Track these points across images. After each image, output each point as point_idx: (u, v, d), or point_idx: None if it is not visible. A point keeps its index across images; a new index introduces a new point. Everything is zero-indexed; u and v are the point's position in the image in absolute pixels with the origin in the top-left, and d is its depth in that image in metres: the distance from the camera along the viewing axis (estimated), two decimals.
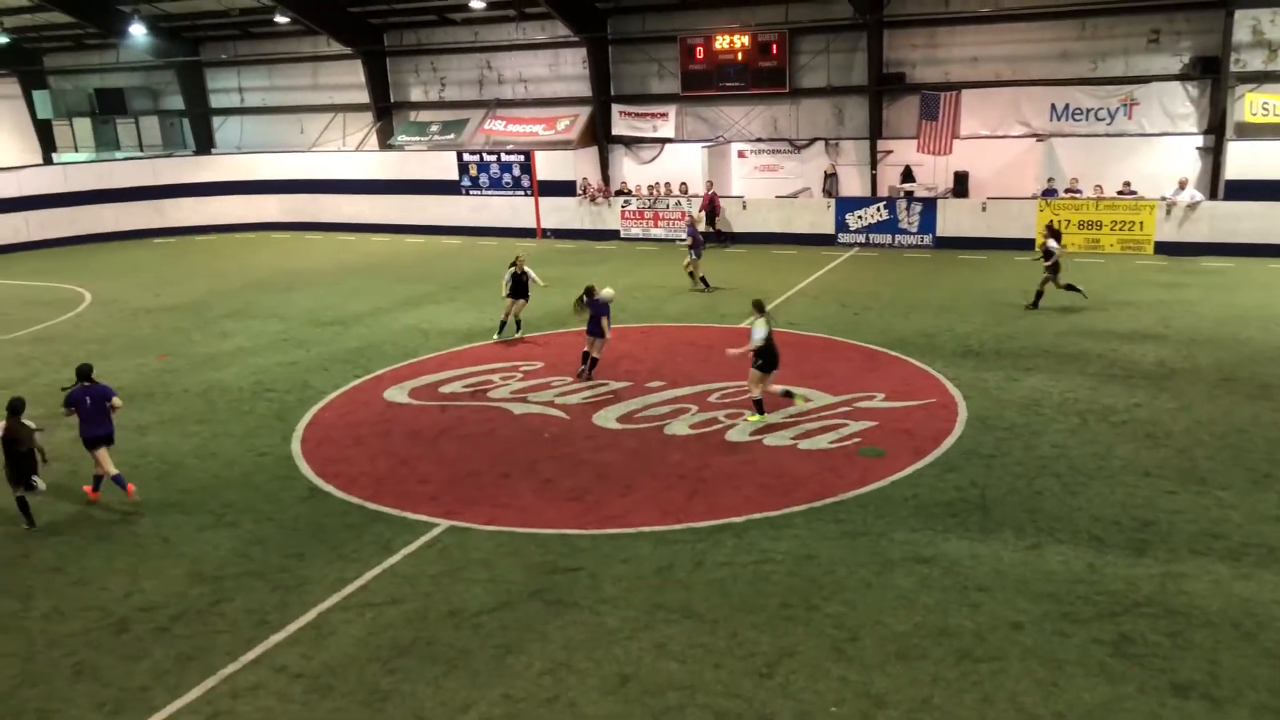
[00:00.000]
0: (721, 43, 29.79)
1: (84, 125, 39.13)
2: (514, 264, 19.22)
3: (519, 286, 19.16)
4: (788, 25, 29.18)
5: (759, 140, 30.95)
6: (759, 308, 14.48)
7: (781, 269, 25.35)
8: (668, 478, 12.39)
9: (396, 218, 34.40)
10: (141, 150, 38.89)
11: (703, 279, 23.45)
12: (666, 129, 31.38)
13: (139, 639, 9.19)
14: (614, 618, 9.18)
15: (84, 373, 12.62)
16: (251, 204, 36.49)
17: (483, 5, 30.19)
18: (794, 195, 30.14)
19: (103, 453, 12.29)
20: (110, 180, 35.75)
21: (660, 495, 11.88)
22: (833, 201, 28.97)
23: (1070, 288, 20.23)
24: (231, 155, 37.64)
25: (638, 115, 31.77)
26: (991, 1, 27.05)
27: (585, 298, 16.67)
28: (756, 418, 14.20)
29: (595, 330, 16.52)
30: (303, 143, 37.40)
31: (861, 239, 28.48)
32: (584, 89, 32.41)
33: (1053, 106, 27.12)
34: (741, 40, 29.59)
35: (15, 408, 11.64)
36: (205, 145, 39.03)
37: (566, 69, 32.91)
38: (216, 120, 39.33)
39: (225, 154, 38.07)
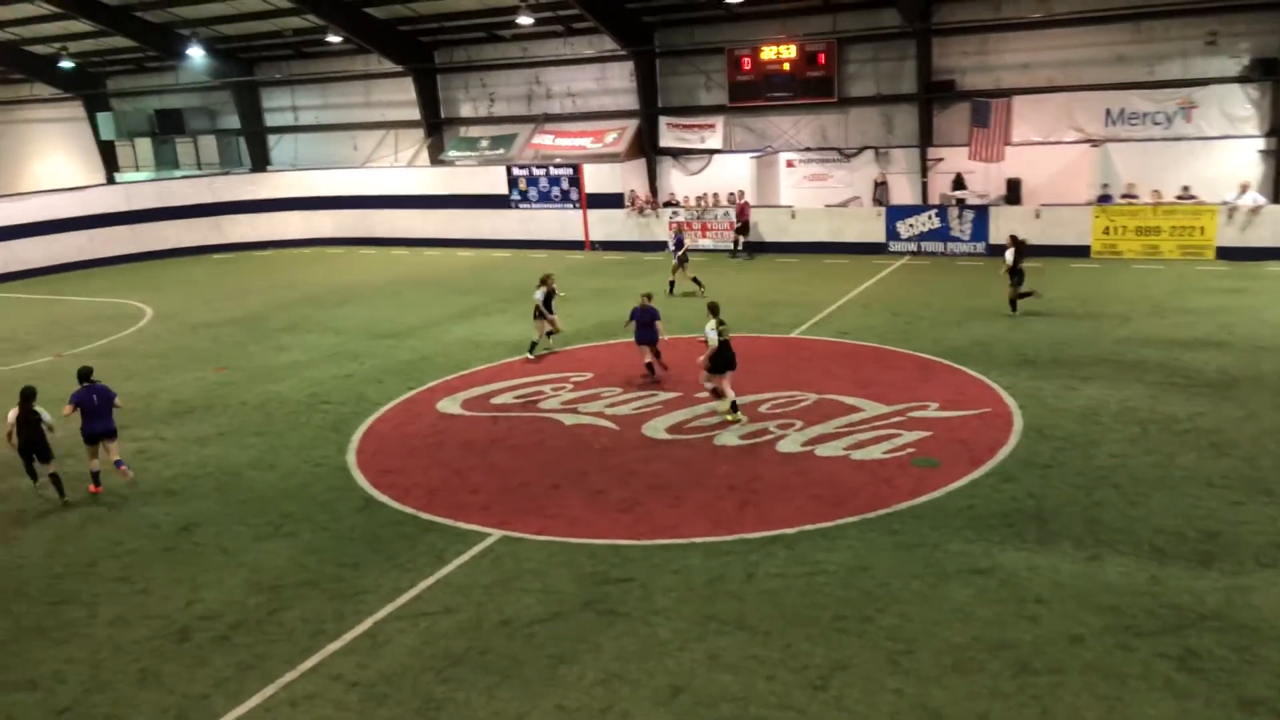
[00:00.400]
0: (769, 53, 29.76)
1: (145, 145, 40.16)
2: (544, 283, 19.09)
3: (549, 306, 19.06)
4: (835, 35, 29.09)
5: (808, 150, 30.85)
6: (713, 310, 14.99)
7: (832, 278, 25.21)
8: (718, 488, 12.35)
9: (447, 232, 34.80)
10: (199, 169, 39.80)
11: (694, 279, 24.00)
12: (714, 140, 31.41)
13: (200, 647, 9.36)
14: (666, 629, 9.16)
15: (85, 374, 13.69)
16: (306, 220, 37.14)
17: (531, 21, 30.49)
18: (844, 204, 29.98)
19: (108, 444, 13.43)
20: (170, 198, 36.62)
21: (711, 506, 11.85)
22: (883, 210, 28.77)
23: (1024, 295, 20.48)
24: (286, 173, 38.35)
25: (685, 127, 31.84)
26: (1043, 7, 26.74)
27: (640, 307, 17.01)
28: (734, 416, 14.58)
29: (644, 339, 16.87)
30: (356, 159, 38.01)
31: (913, 247, 28.24)
32: (631, 102, 32.56)
33: (1107, 111, 26.71)
34: (789, 51, 29.54)
35: (28, 395, 13.20)
36: (261, 163, 39.81)
37: (614, 82, 33.10)
38: (272, 138, 40.11)
39: (280, 171, 38.79)
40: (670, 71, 32.20)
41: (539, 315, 19.12)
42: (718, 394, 14.98)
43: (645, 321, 16.89)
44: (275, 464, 14.22)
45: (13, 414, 13.14)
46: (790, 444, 13.68)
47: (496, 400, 16.52)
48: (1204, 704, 7.64)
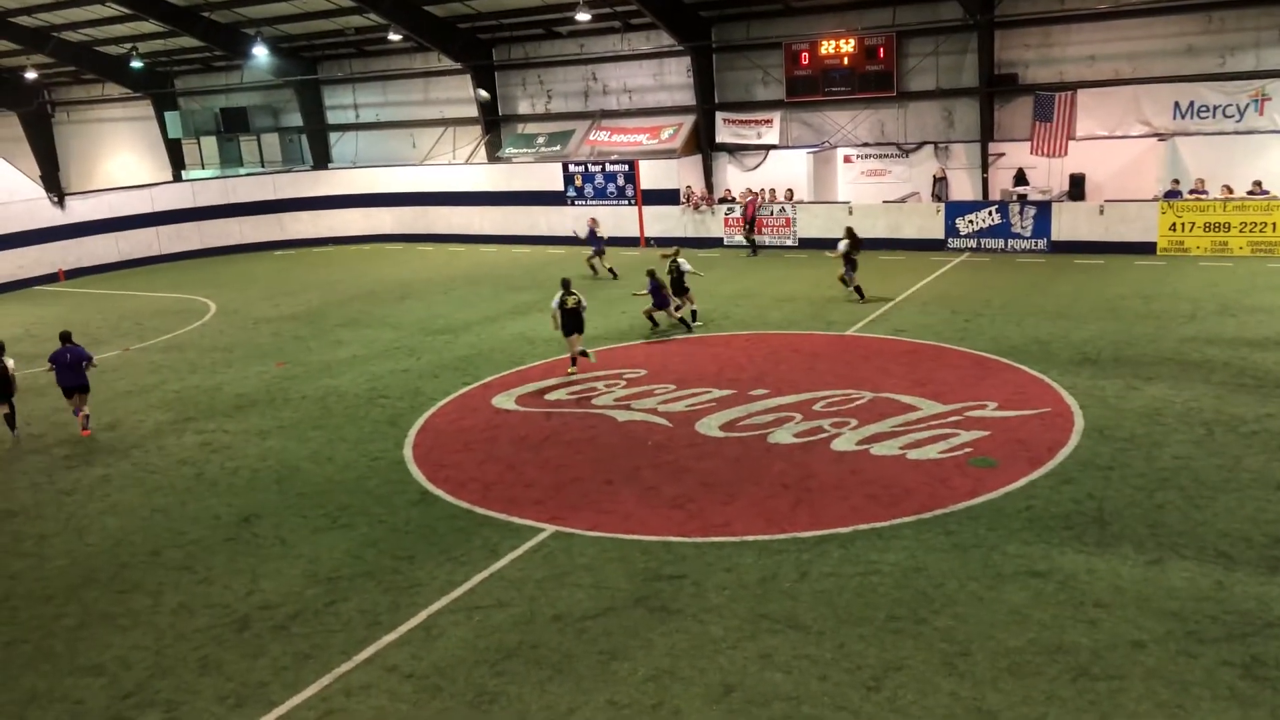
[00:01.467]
0: (827, 48, 29.50)
1: (210, 143, 41.02)
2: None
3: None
4: (895, 28, 28.73)
5: (865, 145, 30.53)
6: (564, 284, 17.99)
7: (889, 274, 24.94)
8: (771, 486, 12.29)
9: (504, 228, 35.07)
10: (263, 166, 40.55)
11: (610, 269, 26.51)
12: (771, 135, 31.22)
13: (259, 636, 9.56)
14: (718, 626, 9.15)
15: (65, 336, 16.62)
16: (366, 216, 37.67)
17: (588, 18, 30.55)
18: (902, 200, 29.63)
19: (81, 396, 16.30)
20: (234, 195, 37.41)
21: (764, 504, 11.80)
22: (942, 206, 28.37)
23: (850, 286, 22.21)
24: (347, 170, 38.92)
25: (742, 122, 31.70)
26: None
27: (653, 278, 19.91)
28: (572, 370, 17.71)
29: (660, 303, 19.89)
30: (415, 156, 38.45)
31: (972, 244, 27.81)
32: (688, 98, 32.50)
33: (1176, 104, 26.02)
34: (848, 45, 29.25)
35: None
36: (322, 160, 40.44)
37: (670, 78, 33.05)
38: (333, 136, 40.72)
39: (341, 169, 39.38)
40: (727, 67, 32.08)
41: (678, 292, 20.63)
42: (583, 354, 17.89)
43: (653, 289, 19.59)
44: (333, 457, 14.45)
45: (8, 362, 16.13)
46: (845, 442, 13.57)
47: (550, 396, 16.62)
48: (1269, 713, 7.43)
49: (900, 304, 21.85)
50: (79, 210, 34.58)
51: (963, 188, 29.17)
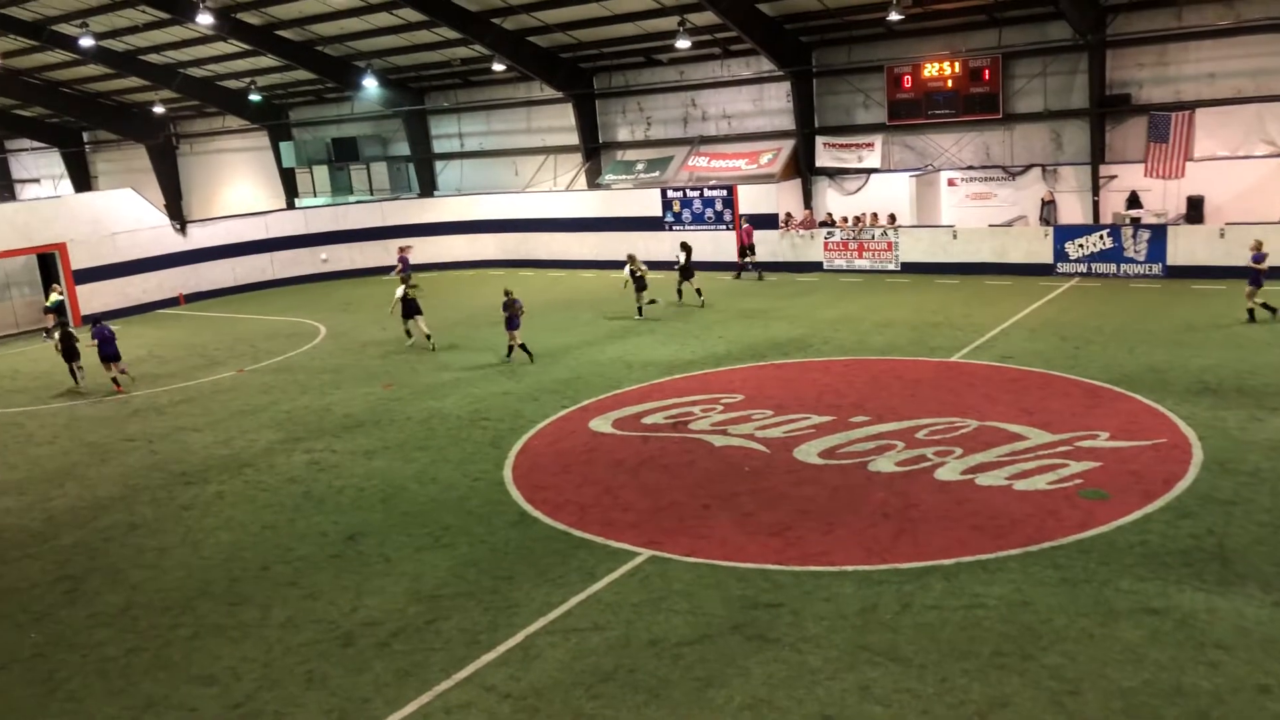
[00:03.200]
0: (930, 70, 29.10)
1: (322, 172, 42.49)
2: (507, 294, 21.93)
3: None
4: (1001, 50, 28.19)
5: (970, 168, 29.95)
6: (405, 280, 24.07)
7: (995, 300, 24.35)
8: (872, 516, 12.07)
9: (603, 254, 35.33)
10: (371, 194, 41.81)
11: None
12: (872, 159, 30.88)
13: (362, 652, 9.77)
14: (816, 656, 9.00)
15: (95, 319, 23.38)
16: (470, 243, 38.47)
17: (689, 45, 30.77)
18: (1008, 224, 28.93)
19: (114, 364, 22.00)
20: (344, 222, 38.68)
21: (864, 533, 11.59)
22: (1051, 230, 27.60)
23: (650, 302, 25.58)
24: (452, 197, 39.85)
25: (842, 146, 31.43)
26: (1231, 13, 25.18)
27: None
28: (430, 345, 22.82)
29: (512, 326, 21.68)
30: (517, 184, 39.17)
31: (1083, 269, 26.97)
32: (787, 122, 32.40)
33: None
34: (952, 67, 28.81)
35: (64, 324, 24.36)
36: (428, 188, 41.51)
37: (770, 103, 33.02)
38: (439, 164, 41.78)
39: (446, 196, 40.35)
40: (827, 91, 31.90)
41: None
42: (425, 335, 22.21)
43: (512, 314, 21.50)
44: (436, 477, 14.73)
45: (57, 334, 23.39)
46: (949, 472, 13.24)
47: (647, 420, 16.66)
48: None
49: (1007, 330, 21.30)
50: (199, 237, 36.21)
51: (1072, 211, 28.35)
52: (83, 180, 50.92)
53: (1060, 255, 27.27)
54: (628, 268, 25.63)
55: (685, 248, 27.54)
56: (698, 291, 26.82)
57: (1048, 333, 20.79)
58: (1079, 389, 16.63)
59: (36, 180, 53.93)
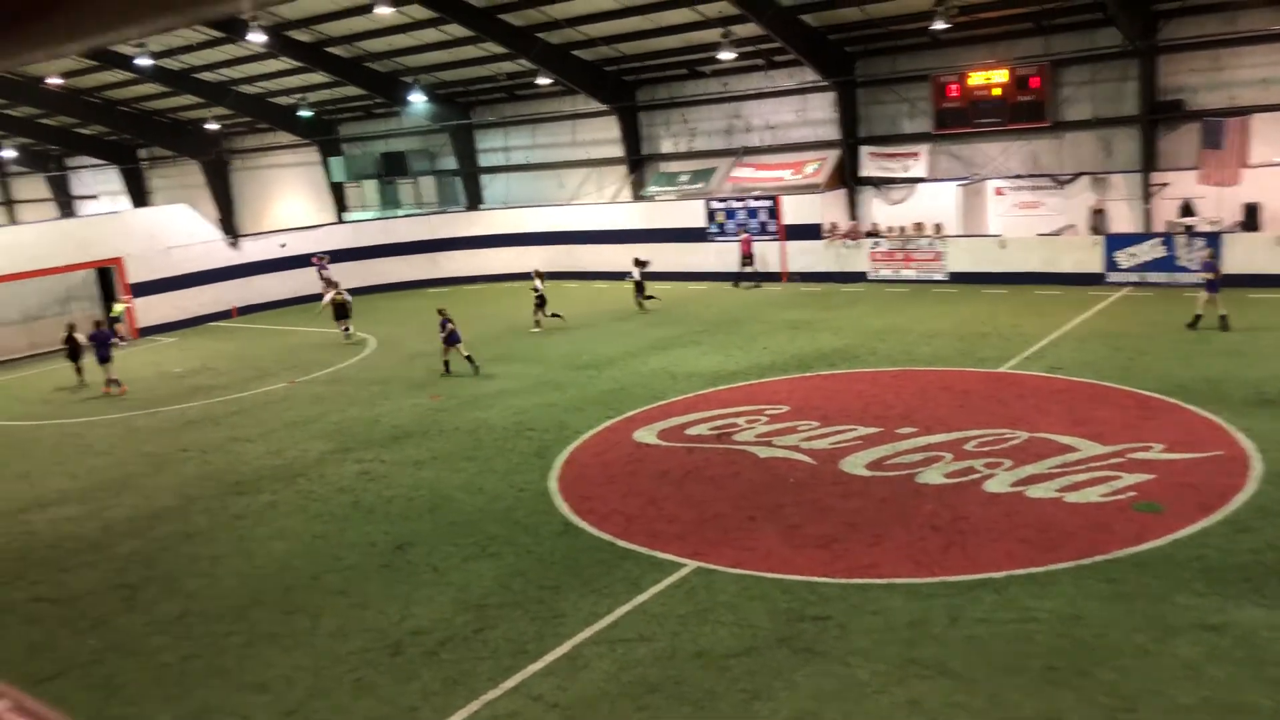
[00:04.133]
0: (977, 79, 28.86)
1: (370, 186, 43.06)
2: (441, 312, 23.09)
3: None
4: (1049, 57, 27.89)
5: (1018, 177, 29.63)
6: (333, 285, 26.56)
7: (1044, 310, 24.04)
8: (920, 528, 11.96)
9: (647, 265, 35.41)
10: (419, 207, 42.28)
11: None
12: (918, 169, 30.66)
13: (410, 661, 9.86)
14: (864, 670, 8.93)
15: (97, 324, 25.48)
16: (516, 255, 38.73)
17: (732, 57, 30.81)
18: (1057, 233, 28.57)
19: (108, 366, 23.70)
20: (393, 235, 39.19)
21: (912, 546, 11.48)
22: (1101, 239, 27.21)
23: (552, 315, 27.08)
24: (498, 210, 40.19)
25: (887, 156, 31.26)
26: None
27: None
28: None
29: (451, 341, 22.50)
30: (562, 196, 39.41)
31: (1134, 278, 26.53)
32: (832, 132, 32.29)
33: None
34: (999, 75, 28.55)
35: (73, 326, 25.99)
36: (475, 201, 41.90)
37: (814, 113, 32.93)
38: (485, 178, 42.17)
39: (493, 209, 40.70)
40: (872, 100, 31.75)
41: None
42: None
43: (449, 330, 22.42)
44: (483, 487, 14.84)
45: (63, 335, 25.75)
46: (998, 484, 13.09)
47: (691, 431, 16.65)
48: None
49: (1056, 340, 21.01)
50: (251, 251, 36.88)
51: (1123, 220, 27.91)
52: (139, 196, 52.09)
53: (1111, 265, 26.85)
54: (536, 281, 27.71)
55: (639, 263, 29.64)
56: (642, 302, 29.23)
57: (1099, 343, 20.48)
58: (1132, 400, 16.36)
59: (95, 196, 55.23)
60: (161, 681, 9.94)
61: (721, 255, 33.79)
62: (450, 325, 22.71)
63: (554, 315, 27.28)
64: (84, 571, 13.08)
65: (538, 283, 27.59)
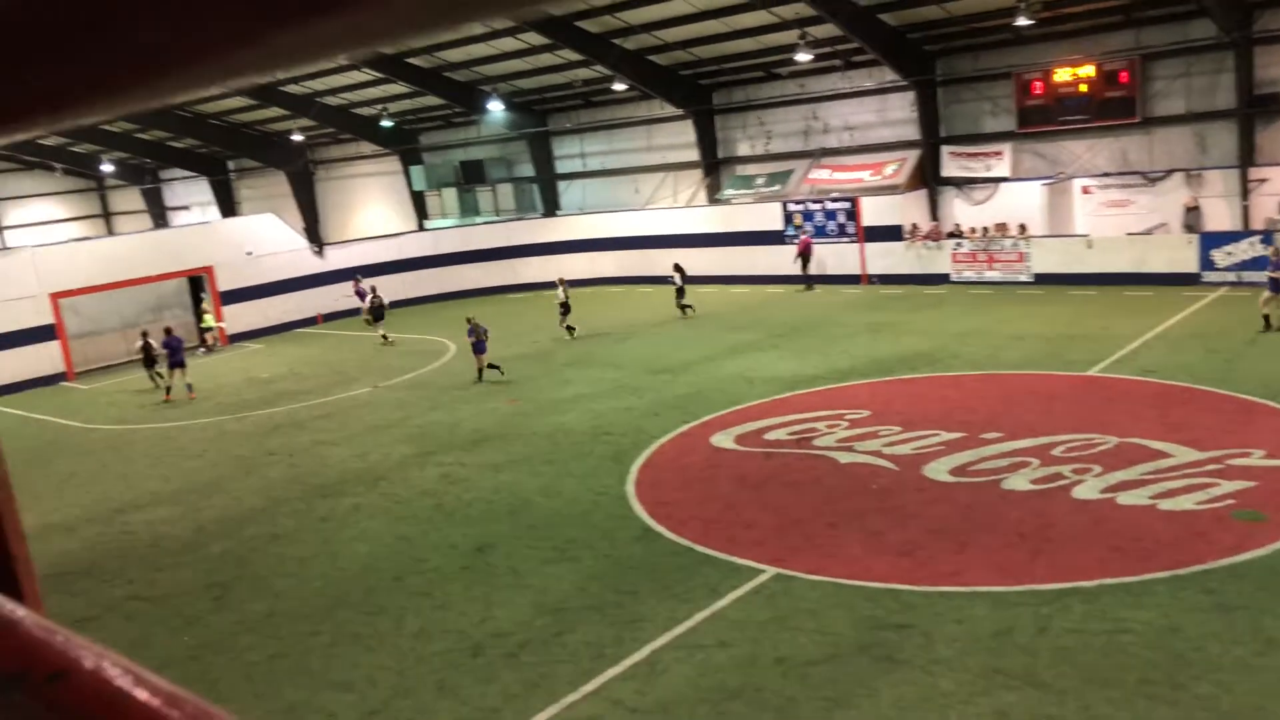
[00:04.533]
0: (1063, 75, 28.14)
1: (450, 194, 43.73)
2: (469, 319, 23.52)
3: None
4: (1139, 51, 27.07)
5: (1106, 174, 28.80)
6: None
7: (1135, 312, 23.31)
8: (1006, 535, 11.68)
9: (723, 269, 35.32)
10: (497, 215, 42.81)
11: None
12: (1001, 168, 30.01)
13: (491, 663, 9.95)
14: (948, 680, 8.74)
15: (168, 330, 25.68)
16: (591, 260, 38.94)
17: (810, 58, 30.55)
18: (1148, 232, 27.68)
19: (181, 371, 24.58)
20: (471, 243, 39.75)
21: (998, 554, 11.22)
22: (1195, 237, 26.30)
23: (567, 328, 27.25)
24: (574, 216, 40.49)
25: (969, 155, 30.67)
26: None
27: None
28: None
29: (479, 350, 22.73)
30: (637, 202, 39.51)
31: (1231, 278, 25.57)
32: (911, 132, 31.80)
33: None
34: (1086, 70, 27.80)
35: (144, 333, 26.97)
36: (552, 208, 42.26)
37: (893, 113, 32.47)
38: (562, 184, 42.51)
39: (569, 215, 41.01)
40: (953, 99, 31.19)
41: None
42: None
43: (478, 338, 22.63)
44: (561, 491, 14.93)
45: (138, 344, 26.72)
46: (1088, 490, 12.71)
47: (770, 436, 16.52)
48: None
49: (1148, 342, 20.35)
50: (335, 259, 37.72)
51: (1219, 217, 26.93)
52: (228, 206, 53.73)
53: (1206, 264, 25.94)
54: (560, 289, 27.69)
55: (678, 268, 29.78)
56: (684, 309, 29.22)
57: (1194, 345, 19.78)
58: (1230, 404, 15.75)
59: (187, 207, 57.13)
60: (251, 679, 10.20)
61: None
62: (478, 334, 22.85)
63: (567, 328, 27.39)
64: (179, 571, 13.51)
65: (560, 291, 27.69)
